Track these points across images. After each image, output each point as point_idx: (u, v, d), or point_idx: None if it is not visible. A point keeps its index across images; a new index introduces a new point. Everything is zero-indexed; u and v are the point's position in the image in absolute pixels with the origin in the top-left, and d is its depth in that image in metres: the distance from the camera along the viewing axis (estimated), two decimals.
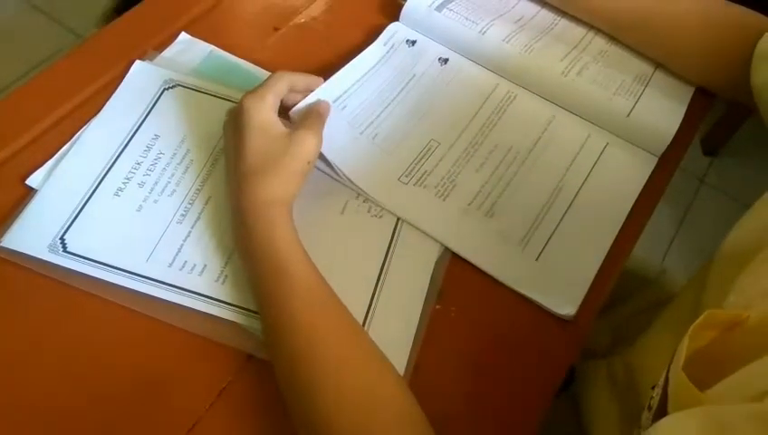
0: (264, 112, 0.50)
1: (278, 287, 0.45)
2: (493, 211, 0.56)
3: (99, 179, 0.54)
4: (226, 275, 0.50)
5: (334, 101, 0.59)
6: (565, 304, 0.52)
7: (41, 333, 0.48)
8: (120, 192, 0.54)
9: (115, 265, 0.50)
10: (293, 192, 0.50)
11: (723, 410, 0.27)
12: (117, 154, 0.56)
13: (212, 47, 0.65)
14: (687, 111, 0.64)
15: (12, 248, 0.49)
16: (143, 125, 0.58)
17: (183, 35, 0.65)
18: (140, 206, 0.53)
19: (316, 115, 0.54)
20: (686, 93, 0.66)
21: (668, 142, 0.61)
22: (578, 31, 0.70)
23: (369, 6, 0.71)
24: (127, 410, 0.46)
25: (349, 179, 0.56)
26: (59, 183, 0.53)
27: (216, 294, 0.49)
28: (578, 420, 0.60)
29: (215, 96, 0.60)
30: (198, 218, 0.53)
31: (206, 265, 0.51)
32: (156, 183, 0.54)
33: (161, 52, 0.63)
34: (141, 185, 0.54)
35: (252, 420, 0.46)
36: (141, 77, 0.61)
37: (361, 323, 0.49)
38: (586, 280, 0.53)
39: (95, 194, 0.53)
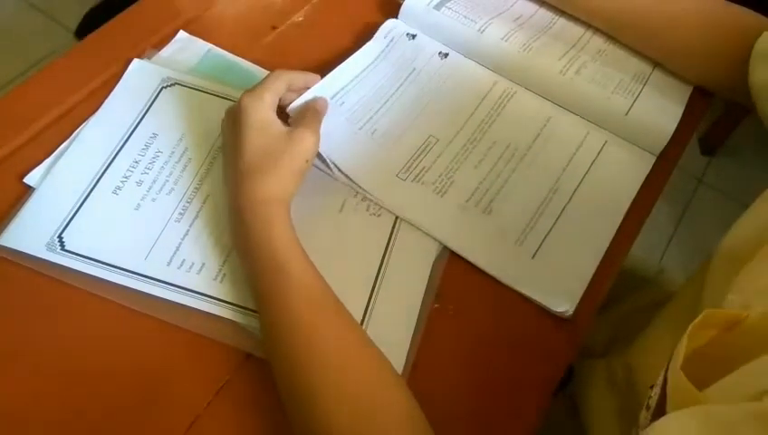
0: (262, 111, 0.50)
1: (276, 287, 0.45)
2: (490, 208, 0.56)
3: (97, 178, 0.54)
4: (224, 274, 0.50)
5: (332, 98, 0.59)
6: (562, 301, 0.52)
7: (38, 331, 0.48)
8: (118, 190, 0.53)
9: (113, 263, 0.50)
10: (292, 191, 0.49)
11: (723, 409, 0.27)
12: (115, 152, 0.55)
13: (210, 46, 0.64)
14: (686, 110, 0.64)
15: (10, 247, 0.49)
16: (141, 123, 0.57)
17: (181, 34, 0.65)
18: (138, 204, 0.53)
19: (313, 113, 0.53)
20: (685, 92, 0.66)
21: (666, 141, 0.61)
22: (576, 30, 0.70)
23: (367, 5, 0.70)
24: (125, 408, 0.46)
25: (347, 176, 0.56)
26: (57, 181, 0.53)
27: (214, 293, 0.49)
28: (576, 419, 0.60)
29: (213, 94, 0.60)
30: (196, 217, 0.53)
31: (204, 264, 0.51)
32: (154, 181, 0.54)
33: (159, 50, 0.63)
34: (139, 183, 0.54)
35: (250, 418, 0.46)
36: (139, 75, 0.61)
37: (359, 321, 0.49)
38: (584, 278, 0.53)
39: (93, 192, 0.53)
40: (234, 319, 0.48)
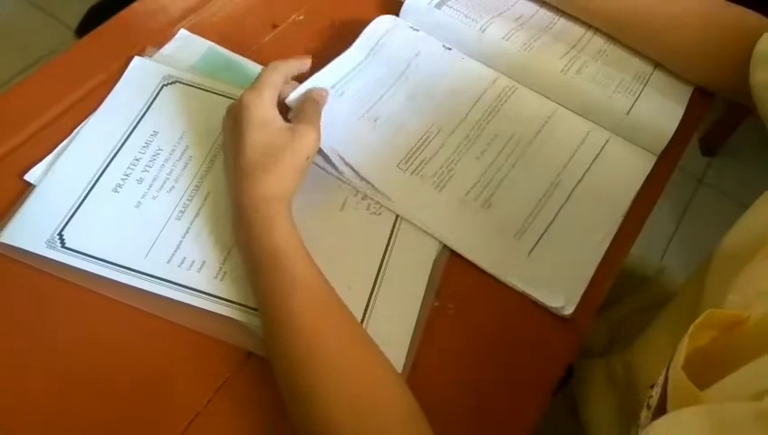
0: (263, 108, 0.50)
1: (277, 286, 0.45)
2: (490, 202, 0.56)
3: (97, 175, 0.54)
4: (225, 272, 0.50)
5: (332, 87, 0.59)
6: (557, 297, 0.52)
7: (38, 328, 0.48)
8: (118, 188, 0.53)
9: (113, 261, 0.50)
10: (293, 188, 0.49)
11: (725, 408, 0.27)
12: (115, 150, 0.55)
13: (211, 44, 0.64)
14: (686, 110, 0.64)
15: (10, 244, 0.49)
16: (142, 121, 0.57)
17: (182, 32, 0.65)
18: (139, 202, 0.53)
19: (313, 105, 0.53)
20: (686, 92, 0.66)
21: (667, 141, 0.61)
22: (577, 30, 0.70)
23: (368, 4, 0.70)
24: (125, 405, 0.46)
25: (348, 166, 0.55)
26: (57, 179, 0.53)
27: (214, 291, 0.49)
28: (576, 418, 0.60)
29: (213, 93, 0.60)
30: (197, 215, 0.53)
31: (204, 262, 0.50)
32: (154, 179, 0.54)
33: (160, 48, 0.63)
34: (140, 181, 0.54)
35: (250, 416, 0.46)
36: (140, 73, 0.60)
37: (360, 320, 0.49)
38: (584, 277, 0.53)
39: (94, 190, 0.53)
40: (234, 317, 0.48)
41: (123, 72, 0.60)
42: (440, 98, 0.62)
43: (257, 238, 0.47)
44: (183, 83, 0.60)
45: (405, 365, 0.48)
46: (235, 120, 0.51)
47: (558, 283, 0.53)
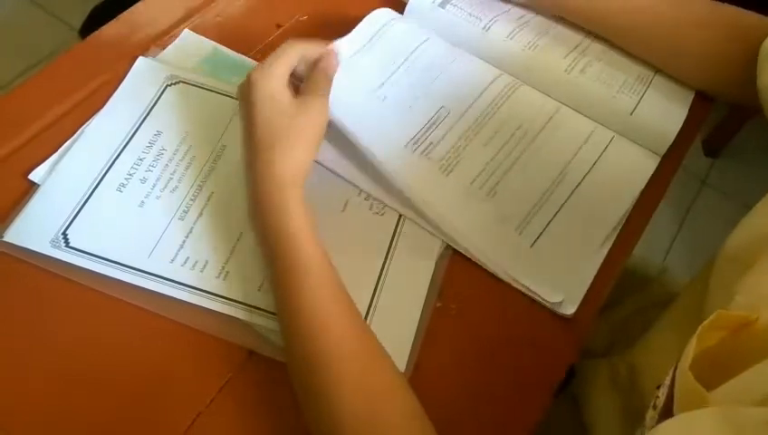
0: (270, 84, 0.48)
1: (290, 277, 0.44)
2: (495, 191, 0.56)
3: (101, 175, 0.54)
4: (228, 271, 0.50)
5: (344, 60, 0.57)
6: (557, 292, 0.52)
7: (42, 327, 0.48)
8: (122, 188, 0.54)
9: (117, 260, 0.50)
10: (306, 163, 0.48)
11: (738, 411, 0.27)
12: (119, 150, 0.56)
13: (214, 44, 0.65)
14: (689, 111, 0.64)
15: (14, 243, 0.49)
16: (146, 121, 0.58)
17: (185, 32, 0.65)
18: (143, 202, 0.53)
19: (323, 76, 0.51)
20: (689, 93, 0.66)
21: (671, 141, 0.61)
22: (581, 29, 0.70)
23: (372, 3, 0.70)
24: (127, 405, 0.46)
25: (355, 143, 0.54)
26: (61, 178, 0.53)
27: (217, 290, 0.49)
28: (578, 419, 0.60)
29: (217, 93, 0.60)
30: (200, 215, 0.53)
31: (207, 261, 0.51)
32: (158, 179, 0.54)
33: (164, 48, 0.64)
34: (143, 181, 0.54)
35: (252, 416, 0.46)
36: (144, 73, 0.61)
37: None
38: (586, 277, 0.53)
39: (97, 189, 0.53)
40: (237, 316, 0.48)
41: (127, 72, 0.60)
42: (447, 84, 0.61)
43: (270, 223, 0.46)
44: (187, 84, 0.60)
45: (407, 366, 0.48)
46: (244, 98, 0.50)
47: (558, 279, 0.53)
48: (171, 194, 0.54)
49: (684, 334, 0.34)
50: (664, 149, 0.61)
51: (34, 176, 0.54)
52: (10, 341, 0.47)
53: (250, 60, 0.64)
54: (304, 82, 0.52)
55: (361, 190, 0.56)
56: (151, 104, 0.59)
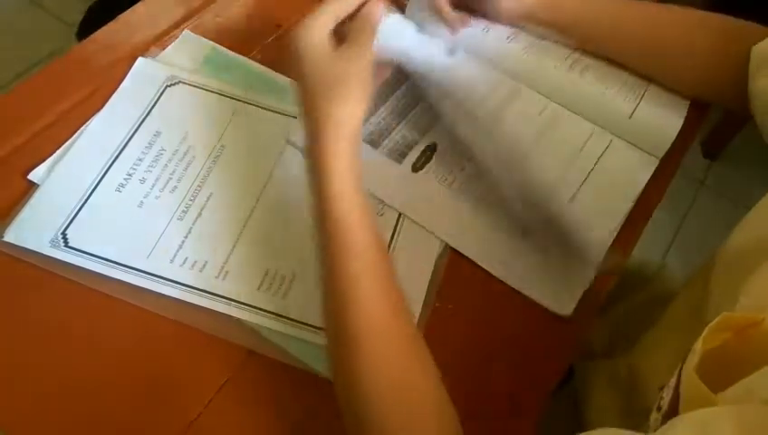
0: (308, 35, 0.46)
1: (336, 252, 0.43)
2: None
3: (101, 175, 0.54)
4: (227, 271, 0.50)
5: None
6: (561, 301, 0.52)
7: (42, 327, 0.48)
8: (121, 188, 0.54)
9: (116, 260, 0.50)
10: (347, 115, 0.45)
11: (754, 409, 0.27)
12: (119, 150, 0.56)
13: (214, 44, 0.65)
14: (687, 113, 0.64)
15: (14, 243, 0.50)
16: (145, 122, 0.58)
17: (186, 33, 0.65)
18: (142, 202, 0.53)
19: (366, 24, 0.47)
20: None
21: (670, 144, 0.61)
22: None
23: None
24: (127, 403, 0.46)
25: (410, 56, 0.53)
26: (61, 178, 0.53)
27: (216, 290, 0.49)
28: (578, 419, 0.60)
29: (216, 93, 0.61)
30: (199, 215, 0.53)
31: (206, 261, 0.51)
32: (157, 179, 0.55)
33: (164, 49, 0.64)
34: (143, 181, 0.54)
35: (251, 415, 0.46)
36: (144, 74, 0.61)
37: None
38: (585, 279, 0.53)
39: (97, 189, 0.53)
40: (236, 315, 0.49)
41: (127, 72, 0.61)
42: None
43: (313, 181, 0.44)
44: (186, 84, 0.61)
45: None
46: (289, 53, 0.47)
47: (558, 283, 0.53)
48: (170, 194, 0.54)
49: (683, 335, 0.34)
50: (663, 152, 0.61)
51: (34, 176, 0.54)
52: (9, 340, 0.47)
53: (249, 60, 0.64)
54: (348, 32, 0.48)
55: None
56: (151, 105, 0.59)
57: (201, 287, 0.49)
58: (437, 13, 0.60)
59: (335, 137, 0.44)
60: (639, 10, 0.63)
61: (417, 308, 0.51)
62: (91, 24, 1.59)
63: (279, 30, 0.68)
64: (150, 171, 0.55)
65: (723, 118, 1.56)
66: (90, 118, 0.57)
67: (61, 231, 0.51)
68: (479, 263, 0.53)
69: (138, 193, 0.54)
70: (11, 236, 0.50)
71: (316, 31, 0.46)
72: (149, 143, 0.56)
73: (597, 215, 0.57)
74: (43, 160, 0.55)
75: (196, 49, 0.64)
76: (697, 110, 0.65)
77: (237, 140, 0.58)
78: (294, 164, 0.57)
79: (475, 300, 0.53)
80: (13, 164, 0.55)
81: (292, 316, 0.49)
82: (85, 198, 0.53)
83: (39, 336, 0.48)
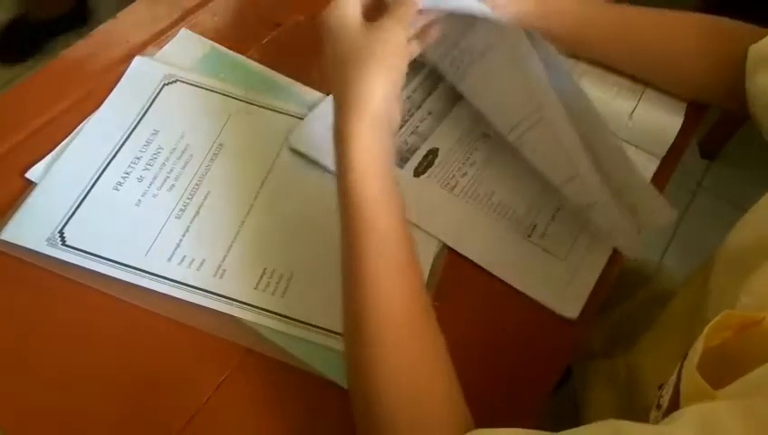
0: (337, 12, 0.44)
1: (358, 240, 0.41)
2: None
3: (98, 174, 0.54)
4: (224, 270, 0.50)
5: None
6: (566, 303, 0.52)
7: (39, 325, 0.48)
8: (119, 186, 0.54)
9: (114, 258, 0.50)
10: (374, 92, 0.42)
11: (758, 403, 0.27)
12: (116, 149, 0.56)
13: (212, 43, 0.65)
14: (685, 113, 0.64)
15: (11, 241, 0.49)
16: (143, 120, 0.58)
17: (183, 31, 0.65)
18: (139, 200, 0.53)
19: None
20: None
21: (670, 144, 0.61)
22: None
23: None
24: (125, 401, 0.46)
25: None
26: (58, 177, 0.53)
27: (214, 289, 0.49)
28: (577, 419, 0.60)
29: (214, 92, 0.61)
30: (197, 213, 0.53)
31: (204, 260, 0.51)
32: (155, 178, 0.54)
33: (161, 48, 0.64)
34: (140, 179, 0.54)
35: (249, 413, 0.46)
36: (141, 73, 0.61)
37: None
38: (589, 281, 0.53)
39: (94, 188, 0.53)
40: (234, 314, 0.48)
41: (125, 71, 0.60)
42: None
43: (339, 169, 0.43)
44: (184, 83, 0.61)
45: None
46: (321, 30, 0.46)
47: (563, 286, 0.53)
48: (168, 192, 0.54)
49: (682, 334, 0.34)
50: (664, 151, 0.61)
51: (31, 174, 0.54)
52: (6, 338, 0.47)
53: (247, 59, 0.64)
54: (388, 4, 0.46)
55: None
56: (148, 103, 0.59)
57: (199, 286, 0.49)
58: None
59: (356, 117, 0.42)
60: (631, 17, 0.62)
61: None
62: (7, 40, 1.58)
63: (276, 29, 0.68)
64: (148, 170, 0.55)
65: (720, 118, 1.56)
66: (87, 116, 0.57)
67: (58, 229, 0.50)
68: (483, 266, 0.53)
69: (135, 191, 0.54)
70: (8, 234, 0.50)
71: (343, 7, 0.44)
72: (147, 142, 0.56)
73: None
74: (41, 159, 0.55)
75: (193, 48, 0.64)
76: (695, 110, 0.65)
77: (235, 139, 0.58)
78: (292, 163, 0.57)
79: (473, 300, 0.53)
80: (10, 162, 0.54)
81: (289, 315, 0.49)
82: (83, 196, 0.53)
83: (36, 335, 0.48)
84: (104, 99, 0.58)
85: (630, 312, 0.68)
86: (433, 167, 0.58)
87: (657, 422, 0.34)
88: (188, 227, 0.52)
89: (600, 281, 0.54)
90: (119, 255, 0.50)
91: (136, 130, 0.57)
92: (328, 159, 0.56)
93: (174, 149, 0.56)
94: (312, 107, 0.60)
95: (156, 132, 0.57)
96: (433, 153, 0.60)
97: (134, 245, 0.51)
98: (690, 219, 1.53)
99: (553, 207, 0.57)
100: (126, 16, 0.66)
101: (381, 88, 0.43)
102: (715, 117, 1.57)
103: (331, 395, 0.46)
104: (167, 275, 0.50)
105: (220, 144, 0.57)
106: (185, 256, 0.51)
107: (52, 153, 0.55)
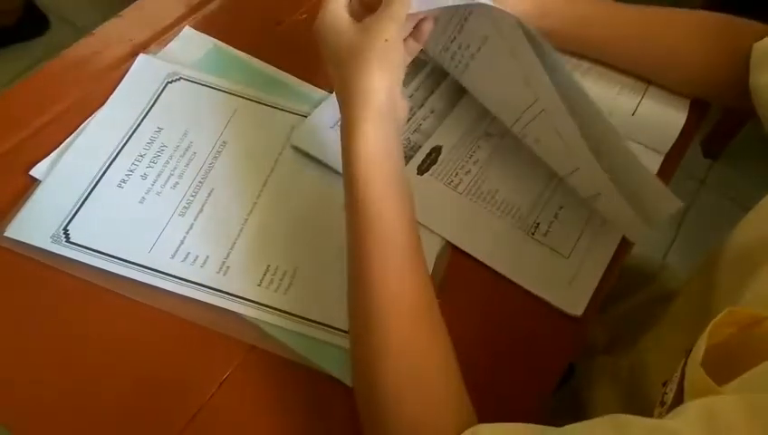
0: (329, 13, 0.45)
1: (364, 236, 0.41)
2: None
3: (102, 171, 0.54)
4: (228, 266, 0.50)
5: None
6: (571, 300, 0.52)
7: (44, 322, 0.48)
8: (123, 184, 0.54)
9: (118, 255, 0.50)
10: (373, 92, 0.42)
11: (762, 398, 0.27)
12: (120, 146, 0.56)
13: (215, 41, 0.65)
14: (687, 112, 0.64)
15: (15, 238, 0.50)
16: (146, 118, 0.58)
17: (186, 29, 0.65)
18: (143, 197, 0.53)
19: None
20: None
21: (674, 140, 0.61)
22: None
23: None
24: (129, 398, 0.46)
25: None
26: (63, 174, 0.54)
27: (217, 285, 0.49)
28: (579, 417, 0.60)
29: (217, 90, 0.61)
30: (201, 211, 0.53)
31: (208, 257, 0.51)
32: (158, 175, 0.55)
33: (165, 46, 0.64)
34: (144, 177, 0.54)
35: (253, 410, 0.46)
36: (145, 70, 0.61)
37: None
38: (594, 279, 0.53)
39: (98, 185, 0.53)
40: (238, 311, 0.49)
41: (128, 69, 0.61)
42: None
43: (343, 167, 0.43)
44: (187, 80, 0.61)
45: None
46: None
47: (567, 283, 0.53)
48: (172, 190, 0.54)
49: (686, 332, 0.34)
50: (667, 147, 0.61)
51: (36, 172, 0.54)
52: (11, 335, 0.47)
53: (250, 57, 0.64)
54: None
55: None
56: (152, 101, 0.59)
57: (202, 283, 0.49)
58: None
59: (361, 113, 0.42)
60: (633, 14, 0.62)
61: None
62: None
63: (279, 27, 0.68)
64: (152, 167, 0.55)
65: (723, 117, 1.56)
66: (91, 114, 0.57)
67: (62, 227, 0.51)
68: (488, 263, 0.53)
69: (139, 189, 0.54)
70: (12, 231, 0.50)
71: (332, 10, 0.45)
72: (151, 139, 0.56)
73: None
74: (45, 156, 0.55)
75: (197, 46, 0.64)
76: (698, 107, 0.65)
77: (238, 137, 0.58)
78: (296, 160, 0.57)
79: (477, 297, 0.53)
80: (15, 160, 0.55)
81: (293, 312, 0.49)
82: (87, 193, 0.53)
83: (40, 332, 0.48)
84: (108, 97, 0.59)
85: (634, 310, 0.68)
86: (436, 165, 0.59)
87: (661, 419, 0.34)
88: (192, 224, 0.52)
89: (604, 278, 0.54)
90: (122, 252, 0.50)
91: (140, 128, 0.57)
92: (331, 157, 0.56)
93: (177, 146, 0.56)
94: (315, 105, 0.60)
95: (159, 130, 0.57)
96: (436, 151, 0.60)
97: (138, 242, 0.51)
98: (693, 218, 1.52)
99: (556, 205, 0.57)
100: (129, 14, 0.66)
101: (382, 83, 0.43)
102: (718, 116, 1.57)
103: (334, 392, 0.46)
104: (170, 272, 0.50)
105: (223, 142, 0.57)
106: (188, 253, 0.51)
107: (57, 151, 0.55)
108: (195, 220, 0.53)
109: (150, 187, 0.54)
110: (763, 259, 0.40)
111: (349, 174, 0.42)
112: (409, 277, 0.42)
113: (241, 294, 0.49)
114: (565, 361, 0.52)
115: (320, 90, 0.62)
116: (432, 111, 0.62)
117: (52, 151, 0.55)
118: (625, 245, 0.56)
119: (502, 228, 0.55)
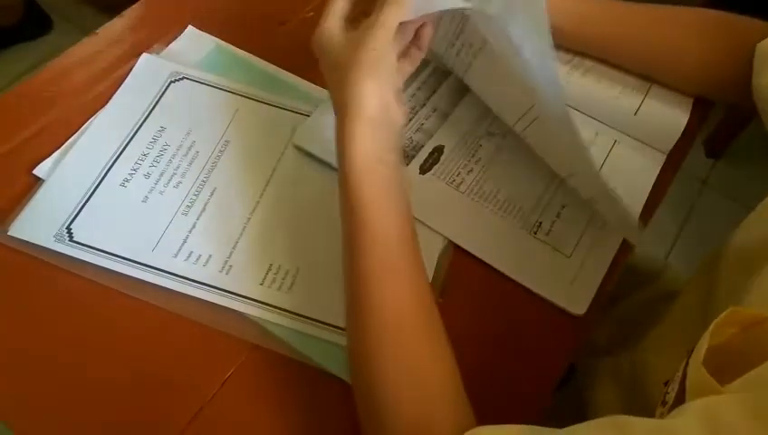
0: (323, 26, 0.46)
1: (356, 240, 0.42)
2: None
3: (105, 170, 0.54)
4: (231, 266, 0.51)
5: None
6: (574, 299, 0.52)
7: (47, 321, 0.48)
8: (126, 183, 0.54)
9: (121, 254, 0.50)
10: (366, 98, 0.43)
11: (764, 397, 0.27)
12: (123, 145, 0.56)
13: (218, 41, 0.65)
14: (690, 111, 0.64)
15: (19, 237, 0.50)
16: (149, 117, 0.58)
17: (190, 29, 0.65)
18: (146, 197, 0.53)
19: (383, 5, 0.44)
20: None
21: (677, 139, 0.61)
22: None
23: None
24: (131, 397, 0.46)
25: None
26: (66, 173, 0.54)
27: (220, 285, 0.50)
28: (581, 416, 0.60)
29: (220, 89, 0.61)
30: (204, 210, 0.53)
31: (210, 256, 0.51)
32: (162, 174, 0.55)
33: (168, 45, 0.64)
34: (147, 176, 0.54)
35: (255, 409, 0.46)
36: (148, 70, 0.61)
37: None
38: (597, 279, 0.53)
39: (102, 184, 0.53)
40: (240, 310, 0.49)
41: (131, 68, 0.61)
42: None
43: (339, 176, 0.43)
44: (190, 80, 0.61)
45: None
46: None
47: (569, 283, 0.53)
48: (175, 189, 0.54)
49: (687, 332, 0.34)
50: (670, 147, 0.61)
51: (39, 171, 0.54)
52: (14, 334, 0.48)
53: (253, 56, 0.64)
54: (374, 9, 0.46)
55: None
56: (155, 100, 0.59)
57: (205, 281, 0.50)
58: None
59: (352, 121, 0.43)
60: (635, 13, 0.62)
61: None
62: None
63: (283, 26, 0.68)
64: (155, 166, 0.55)
65: (725, 117, 1.56)
66: (94, 114, 0.58)
67: (65, 226, 0.51)
68: (490, 262, 0.53)
69: (142, 188, 0.54)
70: (16, 230, 0.50)
71: (329, 19, 0.46)
72: (154, 138, 0.57)
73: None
74: (48, 156, 0.55)
75: (199, 45, 0.64)
76: (700, 108, 0.65)
77: (241, 136, 0.58)
78: (298, 159, 0.57)
79: (479, 297, 0.53)
80: (18, 159, 0.55)
81: (295, 310, 0.49)
82: (90, 193, 0.53)
83: (44, 330, 0.48)
84: (111, 96, 0.59)
85: (635, 309, 0.68)
86: (438, 164, 0.59)
87: (662, 419, 0.34)
88: (195, 223, 0.53)
89: (606, 277, 0.54)
90: (126, 251, 0.50)
91: (143, 127, 0.57)
92: (333, 156, 0.56)
93: (180, 145, 0.57)
94: (317, 104, 0.60)
95: (162, 129, 0.57)
96: (438, 150, 0.60)
97: (141, 241, 0.51)
98: (696, 218, 1.52)
99: (559, 205, 0.57)
100: (132, 14, 0.67)
101: (374, 90, 0.43)
102: (720, 116, 1.57)
103: (337, 391, 0.46)
104: (173, 271, 0.50)
105: (226, 141, 0.57)
106: (191, 252, 0.51)
107: (60, 150, 0.55)
108: (197, 219, 0.53)
109: (153, 186, 0.54)
110: (766, 259, 0.40)
111: (341, 179, 0.43)
112: (404, 279, 0.42)
113: (243, 293, 0.49)
114: (567, 360, 0.52)
115: (322, 89, 0.62)
116: (434, 111, 0.62)
117: (55, 150, 0.55)
118: (627, 244, 0.56)
119: (504, 227, 0.55)
